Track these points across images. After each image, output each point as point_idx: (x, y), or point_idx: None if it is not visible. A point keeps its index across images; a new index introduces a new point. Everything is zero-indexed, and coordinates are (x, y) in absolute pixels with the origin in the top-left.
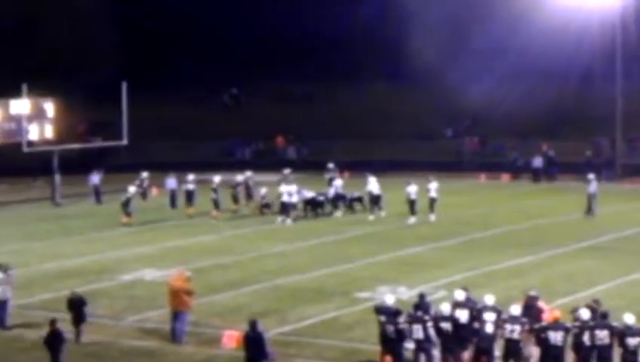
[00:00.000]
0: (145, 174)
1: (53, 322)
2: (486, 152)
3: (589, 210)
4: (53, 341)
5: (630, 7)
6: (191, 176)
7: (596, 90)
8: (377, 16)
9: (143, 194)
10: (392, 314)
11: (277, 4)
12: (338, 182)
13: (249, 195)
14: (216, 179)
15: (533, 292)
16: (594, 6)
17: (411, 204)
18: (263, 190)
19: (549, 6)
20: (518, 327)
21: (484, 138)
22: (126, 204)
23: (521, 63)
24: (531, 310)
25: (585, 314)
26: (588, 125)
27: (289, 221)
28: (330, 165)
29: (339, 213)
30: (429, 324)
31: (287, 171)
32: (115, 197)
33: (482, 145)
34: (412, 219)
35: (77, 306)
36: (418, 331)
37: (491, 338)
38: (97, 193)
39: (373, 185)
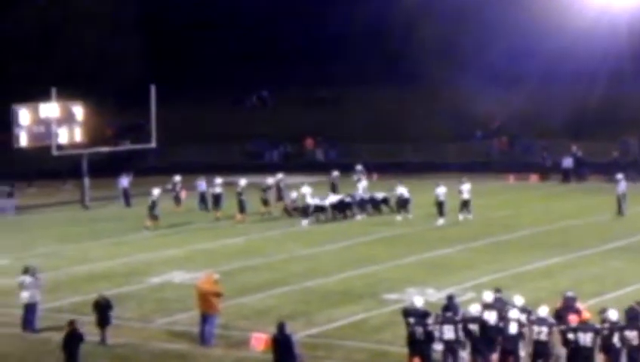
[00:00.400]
0: (177, 178)
1: (72, 322)
2: (515, 153)
3: (620, 210)
4: (71, 341)
5: None
6: (218, 180)
7: (625, 90)
8: (405, 19)
9: (176, 198)
10: (420, 315)
11: (304, 7)
12: (363, 184)
13: (280, 197)
14: (242, 182)
15: (570, 294)
16: (622, 6)
17: (440, 205)
18: (294, 194)
19: (577, 6)
20: (545, 329)
21: (513, 139)
22: (152, 208)
23: (550, 64)
24: (569, 311)
25: (613, 315)
26: (617, 125)
27: (305, 222)
28: (358, 167)
29: (359, 217)
30: (461, 325)
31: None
32: (144, 200)
33: (511, 145)
34: (441, 221)
35: (103, 309)
36: (449, 332)
37: (515, 339)
38: (127, 196)
39: (401, 189)
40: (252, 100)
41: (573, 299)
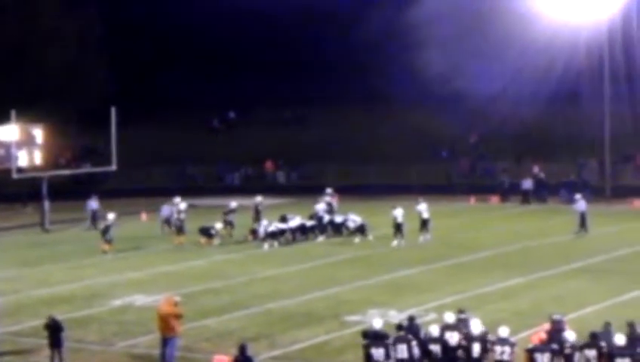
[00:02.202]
0: (178, 199)
1: None
2: (475, 175)
3: (584, 228)
4: None
5: (617, 25)
6: (182, 205)
7: (584, 111)
8: (366, 40)
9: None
10: (380, 338)
11: (268, 29)
12: (320, 206)
13: (258, 219)
14: (233, 204)
15: (557, 316)
16: (580, 26)
17: (398, 227)
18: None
19: (537, 27)
20: (508, 349)
21: (473, 161)
22: (105, 232)
23: (509, 84)
24: (559, 334)
25: (571, 336)
26: (576, 147)
27: (266, 246)
28: (328, 190)
29: (320, 238)
30: (414, 343)
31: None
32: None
33: (471, 168)
34: (395, 242)
35: (53, 331)
36: (403, 351)
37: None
38: (95, 218)
39: (353, 216)
40: (213, 123)
41: (561, 322)
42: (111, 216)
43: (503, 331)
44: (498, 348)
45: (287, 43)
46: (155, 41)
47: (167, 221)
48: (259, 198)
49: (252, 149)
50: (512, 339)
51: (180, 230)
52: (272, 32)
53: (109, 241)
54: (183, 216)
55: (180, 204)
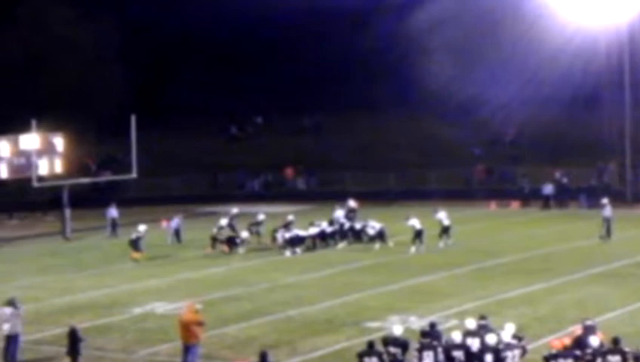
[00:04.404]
0: (235, 210)
1: None
2: (495, 180)
3: (608, 234)
4: None
5: (637, 28)
6: (223, 221)
7: (604, 115)
8: (385, 46)
9: (233, 228)
10: (400, 344)
11: (284, 37)
12: (339, 213)
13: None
14: (260, 216)
15: (589, 322)
16: (600, 29)
17: (418, 234)
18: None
19: (556, 30)
20: (517, 352)
21: (492, 166)
22: (135, 242)
23: (528, 88)
24: (587, 340)
25: (594, 341)
26: (596, 151)
27: (287, 253)
28: (350, 201)
29: (340, 245)
30: (440, 350)
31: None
32: (129, 230)
33: (489, 173)
34: (413, 249)
35: (73, 340)
36: (429, 358)
37: None
38: (114, 226)
39: (372, 223)
40: (232, 130)
41: (593, 328)
42: (142, 227)
43: (506, 335)
44: (509, 354)
45: (306, 50)
46: (173, 48)
47: (177, 232)
48: (290, 217)
49: (271, 156)
50: (514, 342)
51: (216, 241)
52: (291, 40)
53: (140, 250)
54: (223, 222)
55: (221, 220)
